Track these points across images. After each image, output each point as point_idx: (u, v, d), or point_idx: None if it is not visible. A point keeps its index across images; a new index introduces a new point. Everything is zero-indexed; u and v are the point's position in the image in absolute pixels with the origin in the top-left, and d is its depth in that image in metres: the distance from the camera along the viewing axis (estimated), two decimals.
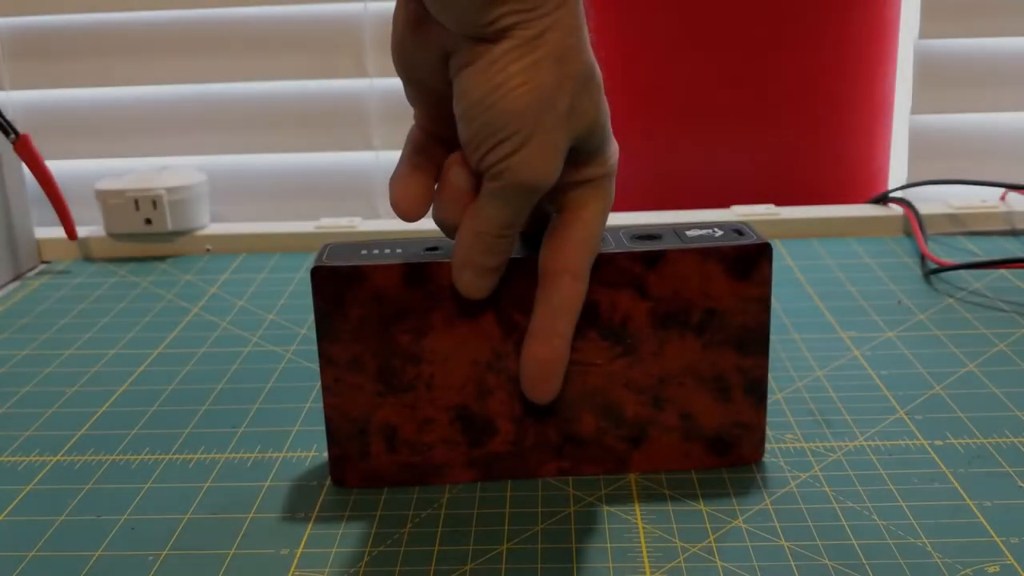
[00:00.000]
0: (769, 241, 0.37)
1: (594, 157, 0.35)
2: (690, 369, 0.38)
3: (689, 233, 0.38)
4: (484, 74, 0.32)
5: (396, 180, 0.36)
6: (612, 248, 0.37)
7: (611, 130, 0.36)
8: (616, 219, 0.69)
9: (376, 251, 0.37)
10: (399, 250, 0.37)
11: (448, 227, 0.36)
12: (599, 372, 0.38)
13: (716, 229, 0.38)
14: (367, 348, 0.37)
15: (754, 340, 0.38)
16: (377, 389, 0.38)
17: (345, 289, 0.36)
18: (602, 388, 0.38)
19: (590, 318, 0.37)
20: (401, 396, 0.38)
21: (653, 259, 0.37)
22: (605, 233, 0.38)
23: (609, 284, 0.37)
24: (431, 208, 0.36)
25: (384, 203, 0.77)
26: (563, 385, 0.37)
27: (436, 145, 0.36)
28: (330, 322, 0.37)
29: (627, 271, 0.37)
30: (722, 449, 0.39)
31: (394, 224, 0.70)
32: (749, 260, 0.37)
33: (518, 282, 0.37)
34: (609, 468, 0.39)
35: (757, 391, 0.38)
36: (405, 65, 0.35)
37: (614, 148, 0.36)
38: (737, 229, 0.38)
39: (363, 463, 0.39)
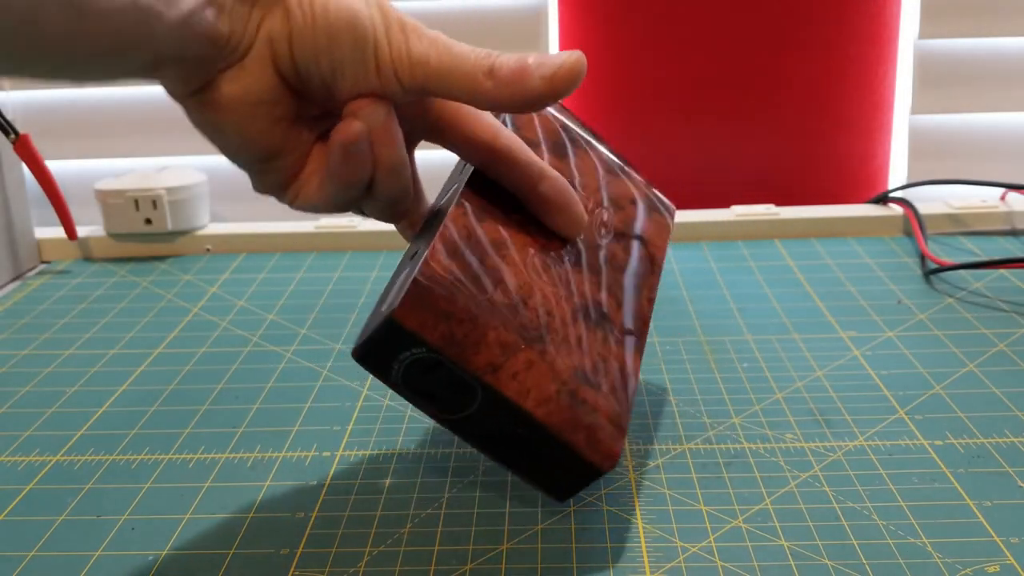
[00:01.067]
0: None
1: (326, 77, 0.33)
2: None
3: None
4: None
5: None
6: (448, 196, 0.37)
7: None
8: None
9: (387, 297, 0.34)
10: (412, 263, 0.35)
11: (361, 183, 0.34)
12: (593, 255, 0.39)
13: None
14: (493, 327, 0.33)
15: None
16: (537, 350, 0.34)
17: (433, 300, 0.32)
18: (592, 222, 0.40)
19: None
20: (550, 339, 0.34)
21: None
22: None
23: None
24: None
25: None
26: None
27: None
28: (455, 336, 0.32)
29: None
30: (661, 206, 0.44)
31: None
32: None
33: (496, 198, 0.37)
34: (652, 271, 0.41)
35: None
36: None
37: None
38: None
39: (602, 420, 0.34)
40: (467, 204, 0.36)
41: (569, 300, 0.36)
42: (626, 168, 0.44)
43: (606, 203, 0.41)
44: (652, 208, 0.43)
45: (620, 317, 0.38)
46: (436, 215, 0.36)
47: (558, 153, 0.40)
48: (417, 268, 0.33)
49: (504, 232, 0.36)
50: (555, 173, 0.37)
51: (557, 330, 0.35)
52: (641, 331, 0.38)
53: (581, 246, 0.38)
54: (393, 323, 0.31)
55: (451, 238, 0.34)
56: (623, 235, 0.41)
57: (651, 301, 0.40)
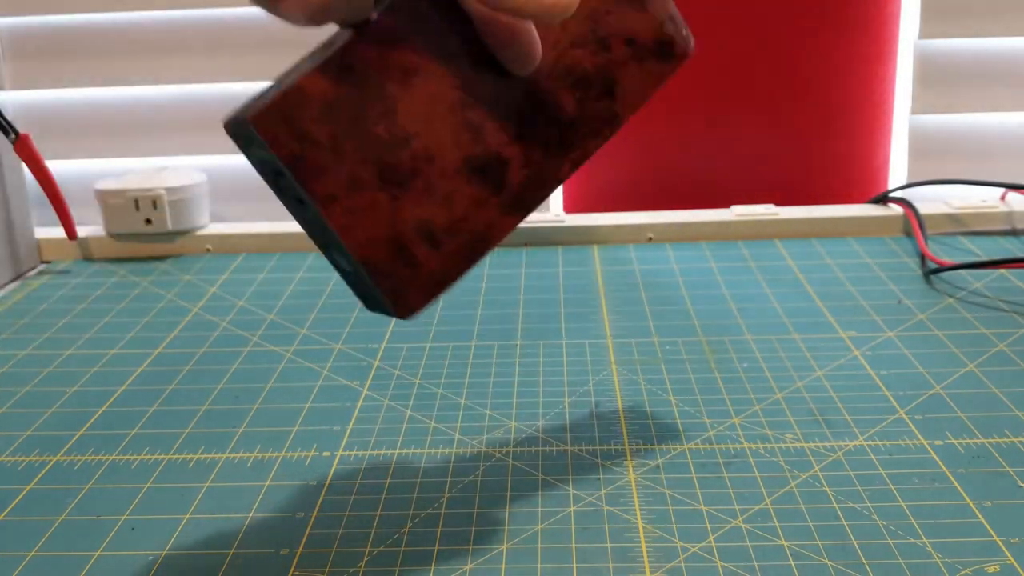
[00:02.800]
0: None
1: None
2: None
3: None
4: None
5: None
6: None
7: None
8: (615, 219, 0.69)
9: (289, 74, 0.33)
10: (315, 58, 0.33)
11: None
12: (546, 45, 0.35)
13: None
14: (356, 161, 0.33)
15: None
16: (390, 194, 0.34)
17: (296, 120, 0.32)
18: (559, 59, 0.36)
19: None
20: (413, 185, 0.34)
21: None
22: None
23: None
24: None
25: None
26: (529, 77, 0.35)
27: None
28: (305, 161, 0.33)
29: None
30: (668, 51, 0.37)
31: None
32: None
33: (424, 21, 0.34)
34: (606, 131, 0.37)
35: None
36: None
37: None
38: None
39: (417, 276, 0.35)
40: (394, 19, 0.33)
41: (466, 148, 0.35)
42: None
43: (591, 40, 0.37)
44: (650, 52, 0.38)
45: (520, 178, 0.36)
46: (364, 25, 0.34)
47: None
48: (293, 81, 0.32)
49: (424, 58, 0.34)
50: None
51: (429, 179, 0.34)
52: (536, 197, 0.36)
53: (527, 88, 0.36)
54: (247, 124, 0.31)
55: (350, 58, 0.33)
56: (588, 82, 0.37)
57: (576, 164, 0.37)
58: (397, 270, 0.35)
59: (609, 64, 0.37)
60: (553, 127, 0.36)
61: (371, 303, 0.36)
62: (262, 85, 0.34)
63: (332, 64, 0.32)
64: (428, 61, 0.34)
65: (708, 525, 0.36)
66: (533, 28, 0.34)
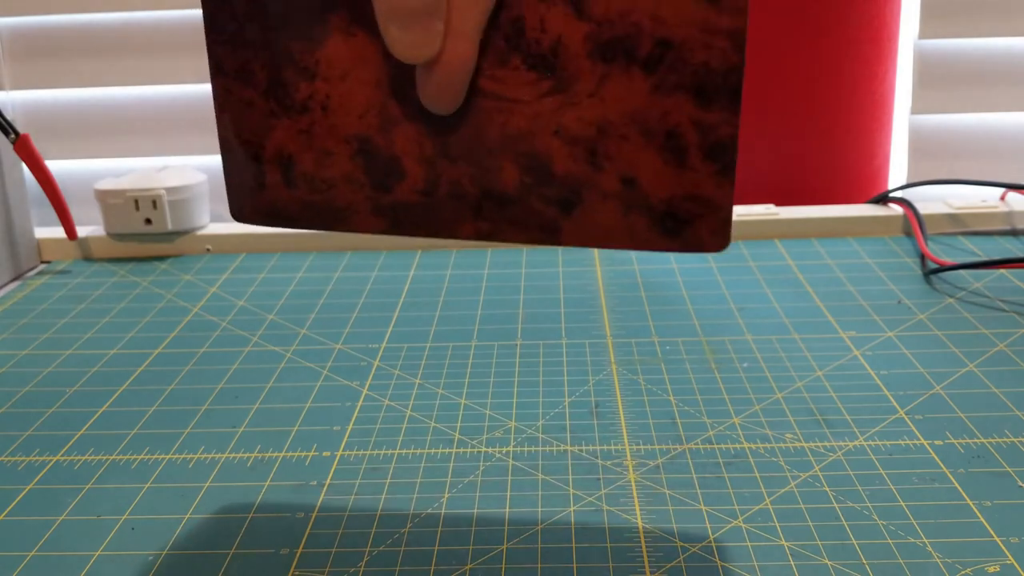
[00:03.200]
0: None
1: None
2: (635, 119, 0.29)
3: None
4: None
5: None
6: None
7: None
8: None
9: None
10: None
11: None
12: (523, 112, 0.30)
13: None
14: (256, 55, 0.31)
15: (720, 89, 0.29)
16: (269, 108, 0.32)
17: None
18: (527, 133, 0.30)
19: (513, 39, 0.29)
20: (295, 119, 0.32)
21: None
22: None
23: None
24: None
25: None
26: (481, 125, 0.30)
27: None
28: (216, 17, 0.31)
29: None
30: (673, 227, 0.31)
31: None
32: None
33: None
34: (534, 236, 0.32)
35: (721, 157, 0.29)
36: None
37: None
38: None
39: (260, 194, 0.33)
40: None
41: (368, 128, 0.32)
42: None
43: (580, 144, 0.31)
44: (646, 210, 0.31)
45: (408, 198, 0.32)
46: None
47: None
48: None
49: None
50: (463, 49, 0.29)
51: (313, 124, 0.32)
52: (416, 227, 0.33)
53: (471, 131, 0.31)
54: None
55: None
56: (545, 177, 0.31)
57: (481, 236, 0.33)
58: (246, 175, 0.33)
59: (585, 181, 0.31)
60: (476, 185, 0.32)
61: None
62: None
63: None
64: None
65: (708, 525, 0.36)
66: (429, 72, 0.29)
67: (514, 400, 0.46)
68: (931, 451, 0.40)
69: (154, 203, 0.68)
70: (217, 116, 0.33)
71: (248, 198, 0.34)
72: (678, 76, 0.29)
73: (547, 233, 0.32)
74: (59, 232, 0.69)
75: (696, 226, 0.30)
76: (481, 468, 0.40)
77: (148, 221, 0.69)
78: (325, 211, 0.33)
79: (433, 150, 0.31)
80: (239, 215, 0.35)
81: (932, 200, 0.69)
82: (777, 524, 0.36)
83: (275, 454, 0.42)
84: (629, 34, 0.29)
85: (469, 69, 0.29)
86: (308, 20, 0.31)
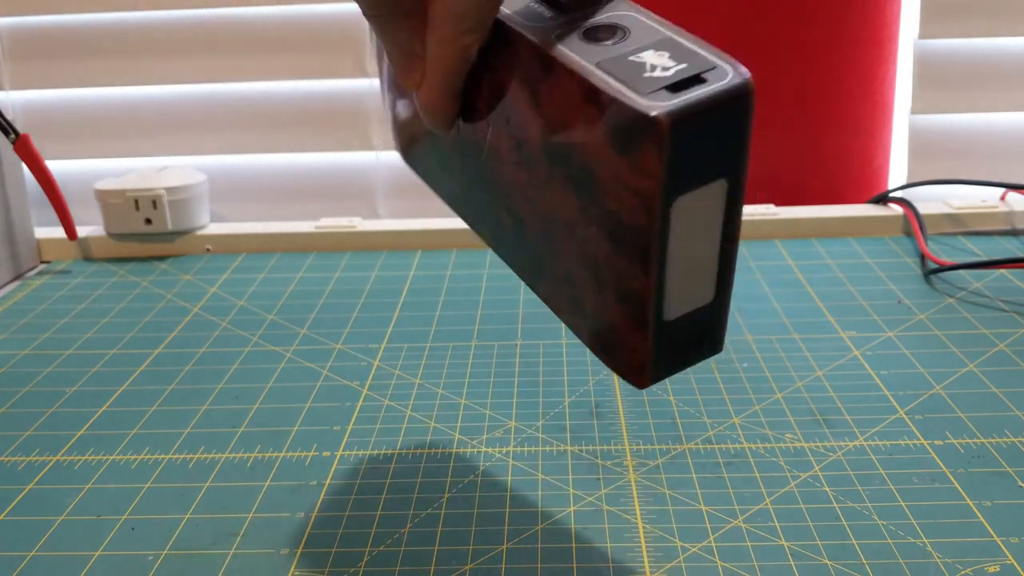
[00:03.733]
0: (666, 115, 0.24)
1: None
2: (571, 230, 0.28)
3: (639, 56, 0.26)
4: None
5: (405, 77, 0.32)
6: (538, 23, 0.28)
7: None
8: None
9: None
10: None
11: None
12: (508, 170, 0.30)
13: (701, 51, 0.27)
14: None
15: (629, 242, 0.26)
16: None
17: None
18: (509, 191, 0.31)
19: (501, 99, 0.29)
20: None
21: (547, 65, 0.27)
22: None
23: (511, 71, 0.29)
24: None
25: (384, 202, 0.77)
26: (484, 167, 0.32)
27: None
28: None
29: (525, 65, 0.28)
30: (605, 348, 0.29)
31: (396, 225, 0.70)
32: (631, 130, 0.25)
33: None
34: (526, 273, 0.32)
35: (633, 307, 0.27)
36: None
37: None
38: (713, 68, 0.26)
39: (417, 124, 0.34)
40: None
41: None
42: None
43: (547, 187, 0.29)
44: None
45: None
46: None
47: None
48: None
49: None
50: (436, 95, 0.31)
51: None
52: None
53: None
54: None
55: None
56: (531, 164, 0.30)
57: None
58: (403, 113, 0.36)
59: (552, 253, 0.30)
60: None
61: None
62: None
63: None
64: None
65: (708, 525, 0.36)
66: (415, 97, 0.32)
67: (514, 400, 0.46)
68: (931, 451, 0.40)
69: (154, 203, 0.68)
70: (379, 67, 0.35)
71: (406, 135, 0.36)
72: (597, 210, 0.27)
73: (532, 273, 0.32)
74: (59, 232, 0.69)
75: (618, 355, 0.29)
76: (481, 468, 0.40)
77: (148, 221, 0.69)
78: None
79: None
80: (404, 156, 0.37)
81: (932, 200, 0.69)
82: (777, 524, 0.36)
83: (275, 454, 0.42)
84: (564, 147, 0.27)
85: (437, 111, 0.31)
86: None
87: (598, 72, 0.26)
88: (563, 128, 0.27)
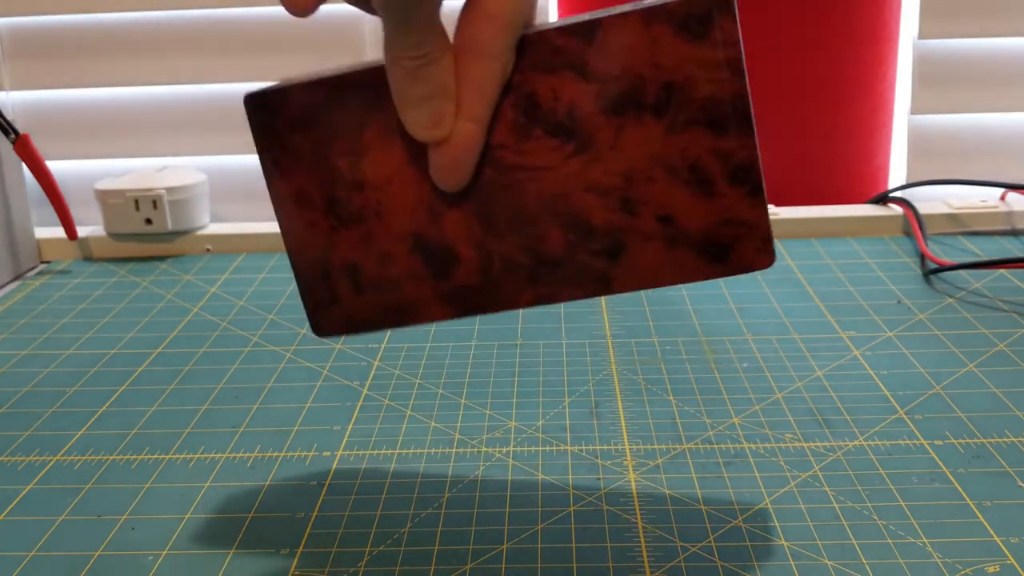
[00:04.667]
0: None
1: None
2: (657, 160, 0.32)
3: (645, 1, 0.31)
4: None
5: None
6: (545, 27, 0.32)
7: None
8: None
9: (313, 75, 0.34)
10: (339, 69, 0.34)
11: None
12: (554, 177, 0.32)
13: None
14: (310, 179, 0.34)
15: (730, 116, 0.31)
16: (329, 224, 0.35)
17: (277, 114, 0.33)
18: (561, 195, 0.32)
19: (531, 113, 0.32)
20: (353, 229, 0.34)
21: (588, 31, 0.31)
22: (545, 23, 0.33)
23: (545, 68, 0.31)
24: None
25: None
26: (518, 197, 0.33)
27: None
28: (269, 153, 0.34)
29: (561, 50, 0.31)
30: (717, 254, 0.32)
31: None
32: (704, 15, 0.30)
33: None
34: (590, 290, 0.34)
35: (747, 179, 0.31)
36: None
37: None
38: None
39: (335, 308, 0.36)
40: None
41: (419, 226, 0.34)
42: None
43: (613, 195, 0.33)
44: (689, 243, 0.33)
45: (467, 280, 0.35)
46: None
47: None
48: (297, 79, 0.33)
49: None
50: (471, 130, 0.32)
51: (371, 231, 0.34)
52: (481, 306, 0.35)
53: (513, 204, 0.33)
54: (248, 98, 0.34)
55: (350, 82, 0.33)
56: (588, 232, 0.33)
57: (540, 300, 0.34)
58: (320, 292, 0.36)
59: (625, 228, 0.33)
60: (526, 255, 0.34)
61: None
62: (261, 85, 0.34)
63: (331, 82, 0.33)
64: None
65: (708, 525, 0.36)
66: (438, 151, 0.32)
67: (514, 400, 0.46)
68: (931, 451, 0.40)
69: (154, 203, 0.68)
70: (286, 243, 0.35)
71: (325, 313, 0.36)
72: (688, 113, 0.31)
73: (601, 284, 0.34)
74: (59, 232, 0.69)
75: (739, 248, 0.32)
76: (481, 468, 0.40)
77: (148, 221, 0.69)
78: (395, 309, 0.36)
79: (481, 231, 0.34)
80: (319, 330, 0.37)
81: (932, 200, 0.69)
82: (777, 524, 0.36)
83: (275, 454, 0.42)
84: (634, 86, 0.31)
85: (477, 148, 0.32)
86: (350, 138, 0.33)
87: (642, 6, 0.30)
88: (626, 70, 0.31)
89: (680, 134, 0.31)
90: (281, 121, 0.34)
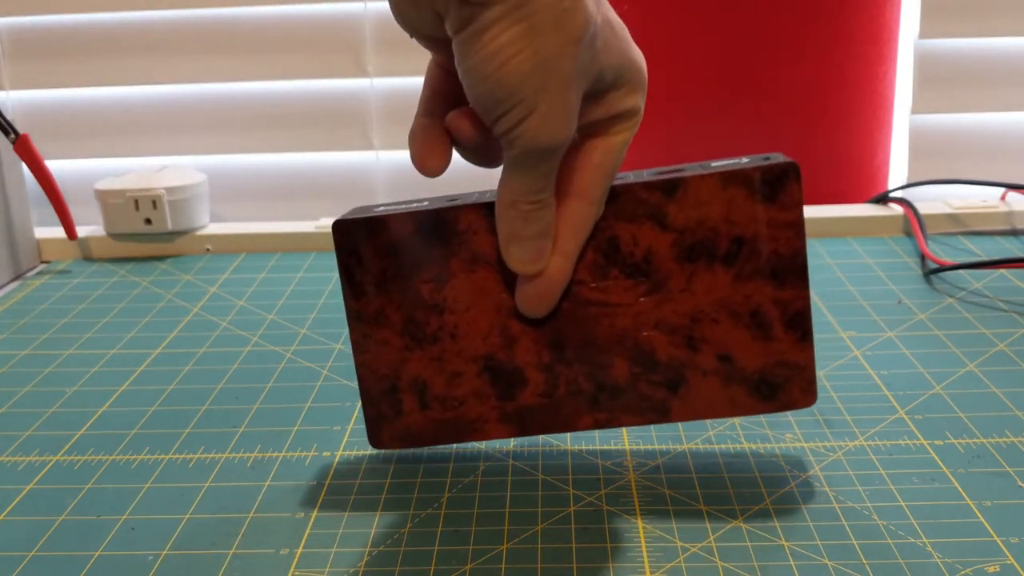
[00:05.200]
0: (795, 162, 0.35)
1: (615, 88, 0.34)
2: (723, 305, 0.36)
3: (714, 164, 0.36)
4: (476, 42, 0.30)
5: (414, 134, 0.35)
6: (630, 180, 0.36)
7: (636, 60, 0.34)
8: None
9: (397, 206, 0.37)
10: (420, 204, 0.37)
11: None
12: (626, 313, 0.36)
13: (744, 158, 0.36)
14: (390, 301, 0.37)
15: (789, 269, 0.35)
16: (403, 343, 0.37)
17: (364, 241, 0.36)
18: (631, 330, 0.36)
19: (611, 255, 0.36)
20: (427, 349, 0.37)
21: (671, 187, 0.35)
22: (628, 173, 0.37)
23: (628, 217, 0.35)
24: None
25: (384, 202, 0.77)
26: (591, 329, 0.36)
27: (454, 81, 0.34)
28: (352, 276, 0.37)
29: (645, 201, 0.35)
30: (768, 392, 0.36)
31: None
32: (775, 181, 0.35)
33: None
34: (649, 418, 0.37)
35: (799, 326, 0.36)
36: (403, 22, 0.33)
37: (639, 77, 0.35)
38: (765, 156, 0.36)
39: (397, 421, 0.38)
40: (488, 213, 0.36)
41: (492, 348, 0.37)
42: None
43: (679, 332, 0.36)
44: (743, 381, 0.36)
45: (532, 402, 0.38)
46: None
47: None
48: (389, 211, 0.36)
49: (496, 257, 0.36)
50: (561, 264, 0.35)
51: (444, 351, 0.37)
52: (541, 426, 0.38)
53: (584, 334, 0.37)
54: (337, 225, 0.37)
55: (443, 219, 0.36)
56: (652, 365, 0.37)
57: (599, 425, 0.38)
58: (382, 405, 0.38)
59: (687, 363, 0.36)
60: (591, 381, 0.37)
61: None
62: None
63: (420, 216, 0.36)
64: (498, 261, 0.36)
65: (708, 525, 0.36)
66: (530, 283, 0.35)
67: None
68: (931, 451, 0.40)
69: (154, 203, 0.68)
70: (356, 358, 0.38)
71: (386, 426, 0.39)
72: (754, 265, 0.35)
73: (659, 413, 0.37)
74: (59, 232, 0.69)
75: (787, 388, 0.36)
76: (481, 468, 0.40)
77: (148, 221, 0.69)
78: (457, 426, 0.38)
79: (550, 357, 0.37)
80: (378, 443, 0.39)
81: (932, 200, 0.69)
82: (777, 524, 0.36)
83: (275, 454, 0.42)
84: (708, 237, 0.35)
85: (565, 281, 0.35)
86: (435, 267, 0.37)
87: (720, 168, 0.35)
88: (702, 224, 0.35)
89: (745, 283, 0.35)
90: (368, 248, 0.37)
